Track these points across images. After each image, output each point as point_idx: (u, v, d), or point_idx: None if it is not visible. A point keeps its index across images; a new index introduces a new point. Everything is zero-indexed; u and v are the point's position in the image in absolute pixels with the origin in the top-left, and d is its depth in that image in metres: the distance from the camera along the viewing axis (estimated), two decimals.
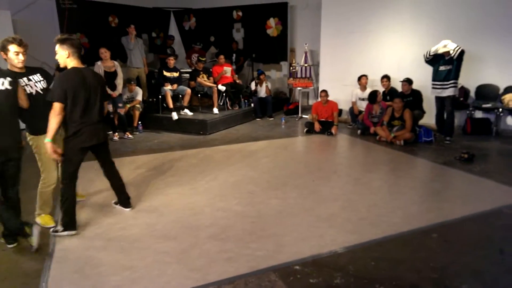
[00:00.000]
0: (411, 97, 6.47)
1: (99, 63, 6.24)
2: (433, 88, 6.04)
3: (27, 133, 3.22)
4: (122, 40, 7.63)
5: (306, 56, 8.56)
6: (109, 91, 6.21)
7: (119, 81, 6.36)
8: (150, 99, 7.71)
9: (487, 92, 6.65)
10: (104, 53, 6.27)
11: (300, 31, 9.39)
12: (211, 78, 7.82)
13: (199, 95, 7.89)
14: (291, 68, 8.80)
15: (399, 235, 3.15)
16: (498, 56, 6.49)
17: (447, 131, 6.07)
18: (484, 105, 6.50)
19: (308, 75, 8.49)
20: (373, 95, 6.60)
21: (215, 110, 7.45)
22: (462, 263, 2.75)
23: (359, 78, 7.12)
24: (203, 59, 7.97)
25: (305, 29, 9.21)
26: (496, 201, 3.80)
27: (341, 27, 7.81)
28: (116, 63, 6.41)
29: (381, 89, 7.00)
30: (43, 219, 3.38)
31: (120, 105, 6.45)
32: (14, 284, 2.55)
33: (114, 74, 6.29)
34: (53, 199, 3.46)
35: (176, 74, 7.28)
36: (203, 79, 7.65)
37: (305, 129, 7.00)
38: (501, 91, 6.56)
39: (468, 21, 6.63)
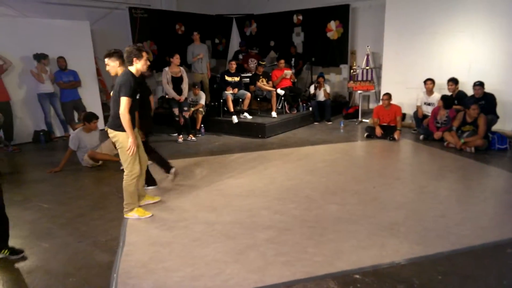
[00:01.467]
0: (483, 101, 6.00)
1: (166, 69, 6.60)
2: None
3: (109, 129, 3.52)
4: (188, 48, 8.00)
5: (367, 59, 8.31)
6: (175, 95, 6.55)
7: (185, 86, 6.66)
8: (212, 103, 7.98)
9: None
10: (178, 58, 6.58)
11: (361, 33, 9.15)
12: (270, 82, 7.90)
13: (258, 99, 8.02)
14: (352, 71, 8.60)
15: (469, 249, 2.94)
16: None
17: None
18: None
19: (369, 78, 8.22)
20: (449, 100, 6.20)
21: (274, 114, 7.52)
22: None
23: (425, 82, 6.75)
24: (263, 63, 8.09)
25: (367, 31, 8.95)
26: None
27: (406, 28, 7.47)
28: (182, 68, 6.73)
29: (448, 93, 6.58)
30: (139, 212, 3.69)
31: (185, 108, 6.76)
32: (89, 273, 2.80)
33: (180, 79, 6.61)
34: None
35: (237, 79, 7.47)
36: (262, 83, 7.76)
37: (366, 134, 6.79)
38: None
39: None
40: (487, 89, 6.12)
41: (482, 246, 2.99)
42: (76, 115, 7.27)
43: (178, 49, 8.60)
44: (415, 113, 6.96)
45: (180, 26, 9.46)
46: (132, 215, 3.67)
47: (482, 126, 5.58)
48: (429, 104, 6.68)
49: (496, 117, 6.11)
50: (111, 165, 5.44)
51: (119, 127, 3.42)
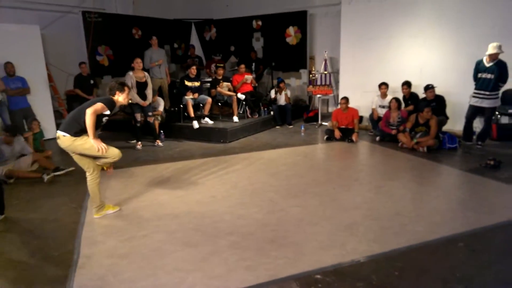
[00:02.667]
0: (434, 103, 6.34)
1: (130, 73, 6.42)
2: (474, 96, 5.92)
3: (67, 136, 3.54)
4: (145, 53, 7.83)
5: (325, 64, 8.53)
6: (140, 100, 6.39)
7: (149, 91, 6.53)
8: (172, 109, 7.84)
9: None
10: (139, 63, 6.44)
11: (319, 38, 9.39)
12: (230, 84, 7.91)
13: (219, 104, 7.98)
14: (311, 75, 8.79)
15: (424, 244, 3.07)
16: None
17: (481, 136, 5.95)
18: (510, 111, 6.29)
19: (327, 82, 8.45)
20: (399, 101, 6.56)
21: (235, 119, 7.51)
22: (491, 273, 2.65)
23: (380, 86, 7.04)
24: (220, 65, 8.07)
25: (324, 37, 9.20)
26: None
27: (361, 34, 7.76)
28: (146, 74, 6.58)
29: (401, 96, 6.90)
30: (109, 208, 3.88)
31: (150, 113, 6.61)
32: None
33: (144, 84, 6.46)
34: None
35: (197, 84, 7.39)
36: (222, 88, 7.74)
37: (325, 137, 6.95)
38: None
39: (491, 24, 6.45)
40: (438, 91, 6.47)
41: (436, 241, 3.13)
42: (25, 123, 6.85)
43: (135, 54, 8.39)
44: (371, 116, 7.23)
45: (137, 31, 9.25)
46: (105, 212, 3.81)
47: (434, 127, 5.88)
48: (383, 107, 6.96)
49: (446, 118, 6.48)
50: (61, 177, 5.17)
51: (77, 133, 3.51)
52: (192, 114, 7.05)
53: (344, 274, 2.70)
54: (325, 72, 8.48)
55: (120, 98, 3.67)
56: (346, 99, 6.94)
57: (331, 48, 8.72)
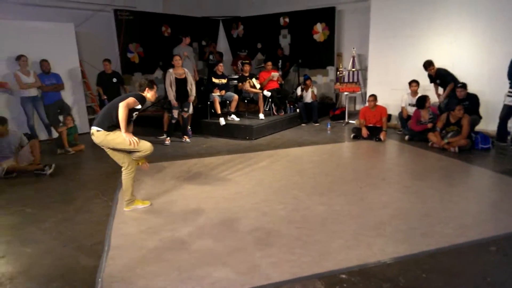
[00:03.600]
0: (467, 102, 6.12)
1: (170, 70, 6.58)
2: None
3: (101, 131, 3.66)
4: (174, 50, 7.97)
5: (353, 61, 8.40)
6: (172, 100, 6.53)
7: (191, 87, 6.66)
8: (200, 105, 7.96)
9: None
10: (178, 60, 6.56)
11: (347, 35, 9.25)
12: (258, 83, 7.92)
13: (245, 101, 8.02)
14: (338, 73, 8.68)
15: (453, 247, 2.99)
16: None
17: None
18: None
19: (355, 79, 8.32)
20: (421, 100, 6.35)
21: (261, 116, 7.53)
22: None
23: (410, 84, 6.86)
24: (246, 61, 8.10)
25: (352, 33, 9.05)
26: None
27: (390, 31, 7.59)
28: (186, 70, 6.71)
29: (433, 95, 6.70)
30: (139, 202, 3.99)
31: (186, 109, 6.74)
32: (73, 278, 2.75)
33: (184, 81, 6.59)
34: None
35: (224, 81, 7.46)
36: (248, 86, 7.76)
37: (352, 135, 6.86)
38: None
39: None
40: (470, 90, 6.25)
41: (466, 244, 3.04)
42: (60, 118, 7.15)
43: (165, 51, 8.58)
44: (400, 114, 7.06)
45: (166, 28, 9.42)
46: (135, 206, 3.91)
47: (466, 126, 5.69)
48: (413, 105, 6.79)
49: (479, 118, 6.24)
50: (94, 170, 5.37)
51: (110, 127, 3.62)
52: (219, 111, 7.13)
53: (370, 274, 2.67)
54: (353, 69, 8.35)
55: (149, 94, 3.82)
56: (374, 96, 6.81)
57: (359, 45, 8.57)
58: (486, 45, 6.63)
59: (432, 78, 6.81)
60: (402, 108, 7.00)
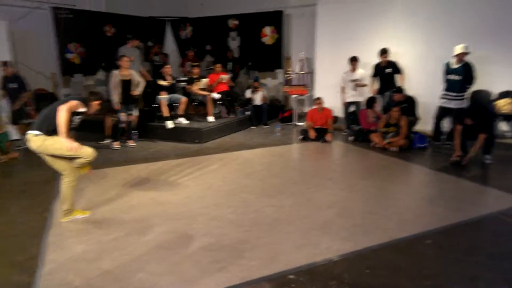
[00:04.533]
0: (406, 104, 6.50)
1: (116, 71, 6.27)
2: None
3: (39, 136, 3.42)
4: (119, 51, 7.65)
5: (301, 64, 8.60)
6: (115, 103, 6.26)
7: (137, 87, 6.43)
8: (146, 108, 7.70)
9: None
10: (126, 61, 6.27)
11: (295, 39, 9.44)
12: (207, 85, 7.83)
13: (194, 104, 7.90)
14: (287, 75, 8.83)
15: (394, 242, 3.14)
16: (492, 62, 6.53)
17: (450, 136, 6.13)
18: None
19: (303, 82, 8.52)
20: (370, 100, 6.67)
21: (211, 119, 7.46)
22: (456, 270, 2.74)
23: (351, 60, 7.03)
24: (196, 64, 7.99)
25: (300, 37, 9.26)
26: (489, 206, 3.83)
27: (336, 35, 7.87)
28: (133, 72, 6.44)
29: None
30: (78, 212, 3.74)
31: (132, 112, 6.47)
32: None
33: (130, 82, 6.34)
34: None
35: (171, 83, 7.28)
36: (197, 88, 7.65)
37: (301, 137, 7.01)
38: (494, 96, 6.58)
39: (460, 27, 6.68)
40: (411, 92, 6.64)
41: (405, 238, 3.21)
42: None
43: (108, 51, 8.20)
44: (347, 113, 7.29)
45: (109, 28, 9.02)
46: (73, 217, 3.67)
47: (404, 127, 6.04)
48: (354, 81, 6.99)
49: (417, 119, 6.65)
50: (28, 178, 4.99)
51: (50, 132, 3.39)
52: (166, 114, 6.95)
53: (317, 273, 2.73)
54: (301, 72, 8.55)
55: (92, 107, 3.72)
56: (320, 99, 7.02)
57: (307, 49, 8.79)
58: (423, 50, 7.08)
59: (378, 70, 6.98)
60: (342, 87, 7.17)
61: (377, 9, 7.45)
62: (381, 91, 6.89)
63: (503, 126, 6.70)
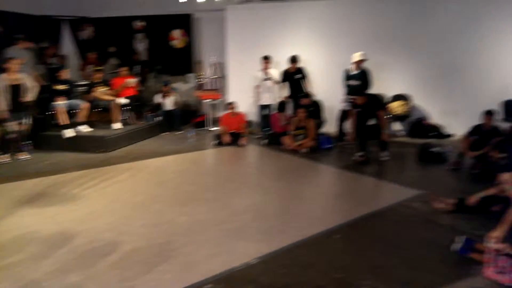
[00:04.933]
0: (312, 108, 6.85)
1: (3, 75, 5.47)
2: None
3: None
4: (7, 53, 6.71)
5: (213, 68, 8.55)
6: (2, 110, 5.49)
7: (29, 93, 5.72)
8: (40, 116, 6.88)
9: None
10: (16, 64, 5.53)
11: (206, 43, 9.34)
12: (111, 90, 7.30)
13: (98, 110, 7.30)
14: (198, 80, 8.70)
15: (307, 240, 3.24)
16: (387, 69, 7.26)
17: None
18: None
19: (215, 87, 8.47)
20: (282, 104, 6.90)
21: (117, 125, 6.96)
22: (363, 260, 2.92)
23: (264, 59, 7.15)
24: (99, 68, 7.42)
25: (211, 41, 9.19)
26: (388, 199, 4.19)
27: (246, 40, 7.98)
28: (23, 75, 5.72)
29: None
30: None
31: (23, 120, 5.71)
32: None
33: (20, 87, 5.62)
34: None
35: (67, 87, 6.62)
36: (100, 92, 7.09)
37: (215, 142, 6.94)
38: (388, 99, 7.34)
39: (359, 35, 7.31)
40: (319, 96, 7.04)
41: (317, 235, 3.33)
42: None
43: None
44: (262, 117, 7.45)
45: None
46: None
47: (311, 129, 6.36)
48: (268, 79, 7.17)
49: (323, 121, 7.07)
50: None
51: None
52: (64, 122, 6.30)
53: (235, 279, 2.67)
54: (213, 77, 8.49)
55: None
56: (233, 103, 7.05)
57: (218, 53, 8.76)
58: (326, 57, 7.55)
59: (287, 76, 7.15)
60: (257, 87, 7.26)
61: (283, 16, 7.76)
62: (291, 96, 7.16)
63: (396, 126, 7.51)
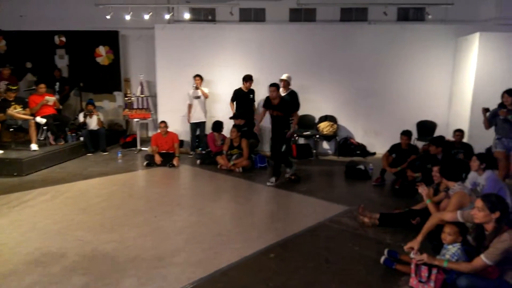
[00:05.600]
0: (245, 128, 6.92)
1: None
2: None
3: None
4: None
5: (142, 87, 8.26)
6: None
7: None
8: None
9: (306, 121, 7.69)
10: None
11: (134, 61, 9.06)
12: (28, 109, 6.65)
13: (11, 129, 6.60)
14: (126, 98, 8.34)
15: (242, 261, 3.20)
16: (314, 91, 7.65)
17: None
18: (305, 133, 7.48)
19: (145, 106, 8.18)
20: (218, 125, 6.85)
21: (34, 147, 6.33)
22: (297, 277, 2.95)
23: (194, 77, 7.23)
24: (14, 87, 6.74)
25: (140, 59, 8.94)
26: (319, 216, 4.31)
27: (176, 60, 7.88)
28: None
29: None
30: None
31: None
32: None
33: None
34: None
35: None
36: (15, 111, 6.43)
37: (145, 162, 6.64)
38: (316, 120, 7.70)
39: (290, 59, 7.63)
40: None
41: (252, 255, 3.30)
42: None
43: None
44: (192, 137, 7.33)
45: None
46: None
47: (245, 148, 6.40)
48: (198, 97, 7.24)
49: (257, 141, 7.16)
50: None
51: None
52: None
53: None
54: (142, 96, 8.20)
55: None
56: (165, 123, 6.84)
57: (147, 71, 8.52)
58: (258, 78, 7.72)
59: (238, 95, 7.19)
60: (188, 106, 7.30)
61: (213, 37, 7.84)
62: (239, 116, 7.15)
63: (325, 145, 7.88)
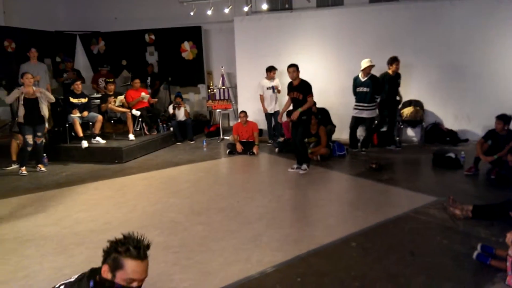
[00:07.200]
0: (320, 115, 6.85)
1: (18, 89, 5.67)
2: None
3: None
4: (21, 68, 6.92)
5: (223, 79, 8.64)
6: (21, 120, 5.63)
7: (45, 110, 5.86)
8: (56, 129, 7.04)
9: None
10: (30, 79, 5.66)
11: (216, 54, 9.49)
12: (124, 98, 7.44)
13: (112, 121, 7.44)
14: (209, 90, 8.79)
15: (321, 248, 3.23)
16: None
17: (364, 143, 6.65)
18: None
19: (226, 97, 8.55)
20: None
21: (131, 136, 7.07)
22: (379, 268, 2.89)
23: (269, 70, 7.32)
24: (110, 80, 7.57)
25: (220, 52, 9.33)
26: (403, 206, 4.14)
27: (254, 51, 8.07)
28: (39, 88, 5.88)
29: None
30: None
31: (39, 134, 5.84)
32: None
33: (36, 101, 5.73)
34: None
35: (84, 100, 6.77)
36: (114, 105, 7.22)
37: (227, 151, 6.98)
38: (399, 105, 7.29)
39: (366, 42, 7.32)
40: (323, 104, 7.06)
41: (332, 243, 3.32)
42: None
43: (9, 69, 7.45)
44: (269, 127, 7.47)
45: (10, 43, 8.14)
46: None
47: (323, 136, 6.35)
48: (271, 88, 7.32)
49: (333, 127, 7.06)
50: None
51: None
52: (80, 134, 6.44)
53: (251, 287, 2.67)
54: (223, 87, 8.58)
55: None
56: (244, 113, 7.10)
57: (227, 63, 8.87)
58: (334, 64, 7.58)
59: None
60: (260, 96, 7.40)
61: (289, 26, 7.83)
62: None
63: (409, 131, 7.45)
